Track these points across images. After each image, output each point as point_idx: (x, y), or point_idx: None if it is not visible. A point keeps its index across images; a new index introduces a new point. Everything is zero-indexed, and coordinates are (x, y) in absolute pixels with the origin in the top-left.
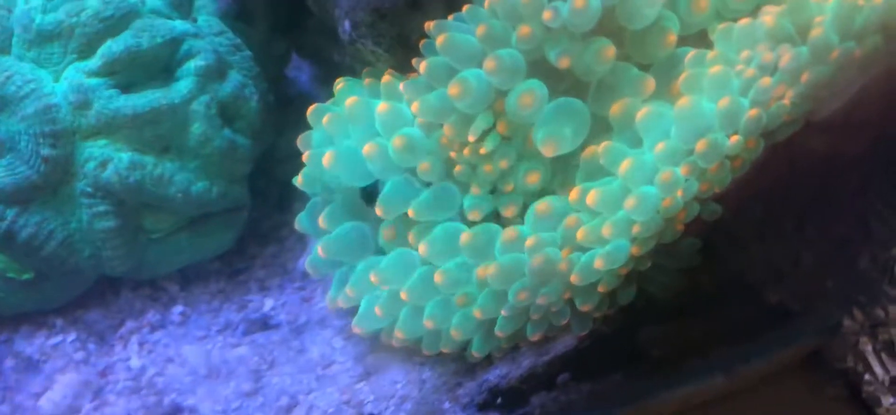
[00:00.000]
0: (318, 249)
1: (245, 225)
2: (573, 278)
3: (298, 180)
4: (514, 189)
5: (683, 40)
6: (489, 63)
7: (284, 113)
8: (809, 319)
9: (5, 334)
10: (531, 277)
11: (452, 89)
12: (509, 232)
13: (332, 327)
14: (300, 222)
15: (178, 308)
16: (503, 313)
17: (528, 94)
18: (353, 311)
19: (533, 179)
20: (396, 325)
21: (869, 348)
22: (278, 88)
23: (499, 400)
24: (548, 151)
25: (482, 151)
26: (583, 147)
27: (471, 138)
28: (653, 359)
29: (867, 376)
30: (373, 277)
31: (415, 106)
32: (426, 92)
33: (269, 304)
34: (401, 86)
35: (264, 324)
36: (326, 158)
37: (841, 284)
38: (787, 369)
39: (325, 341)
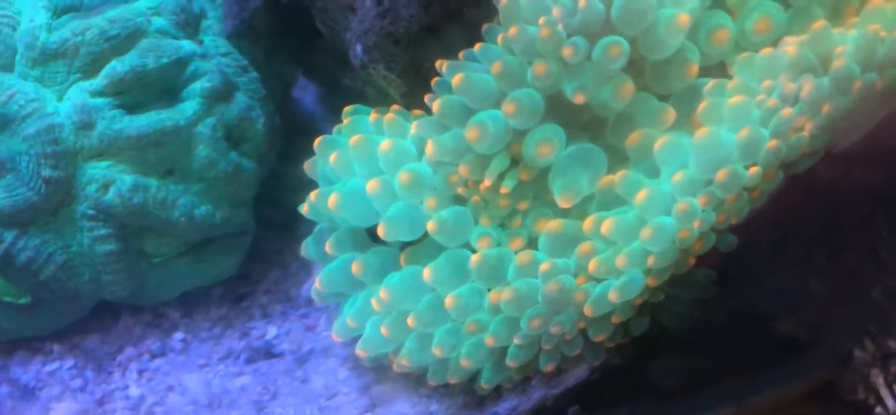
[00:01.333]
0: (317, 281)
1: (248, 250)
2: (587, 310)
3: (304, 209)
4: (521, 225)
5: (702, 72)
6: (508, 107)
7: (289, 135)
8: (819, 350)
9: (0, 360)
10: (545, 304)
11: (470, 133)
12: (524, 256)
13: (337, 356)
14: (306, 249)
15: (179, 335)
16: (516, 341)
17: (547, 144)
18: (357, 341)
19: (542, 225)
20: (402, 352)
21: (880, 380)
22: (284, 110)
23: None
24: (564, 204)
25: (503, 190)
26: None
27: (487, 183)
28: (663, 390)
29: (878, 409)
30: (383, 293)
31: (428, 146)
32: (439, 131)
33: (272, 331)
34: (413, 125)
35: (267, 353)
36: (331, 200)
37: (852, 314)
38: (798, 401)
39: (329, 370)
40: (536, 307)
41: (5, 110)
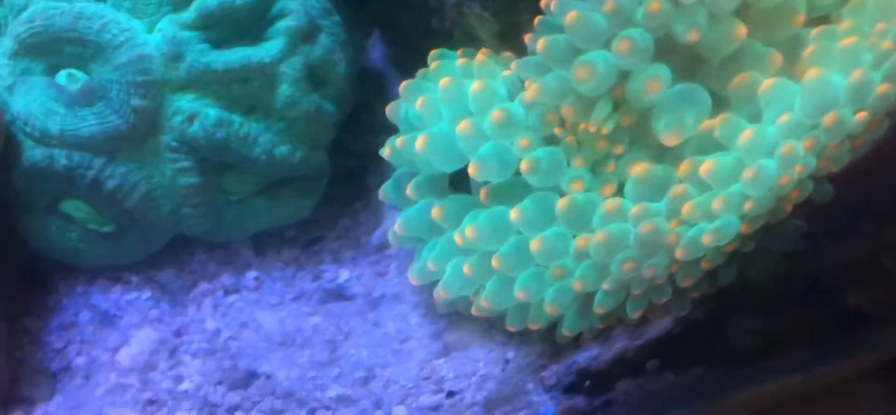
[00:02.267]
0: (396, 224)
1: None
2: (678, 253)
3: (385, 152)
4: (613, 171)
5: (808, 23)
6: (622, 44)
7: (361, 87)
8: (889, 324)
9: (82, 286)
10: (638, 246)
11: (580, 72)
12: (611, 203)
13: (408, 302)
14: (385, 193)
15: (253, 273)
16: (605, 286)
17: (655, 80)
18: (429, 288)
19: (637, 169)
20: (483, 294)
21: None
22: (358, 61)
23: (587, 383)
24: (669, 141)
25: (604, 130)
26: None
27: (592, 128)
28: (738, 352)
29: None
30: (469, 231)
31: (530, 87)
32: (542, 71)
33: (343, 275)
34: (512, 65)
35: (339, 295)
36: (419, 142)
37: None
38: (866, 376)
39: (401, 316)
40: (628, 251)
41: (98, 39)
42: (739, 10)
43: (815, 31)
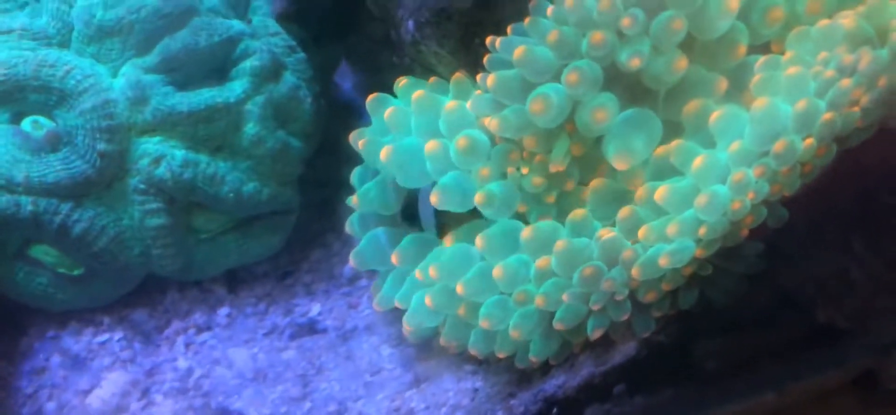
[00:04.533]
0: (350, 259)
1: (291, 230)
2: (635, 271)
3: (359, 144)
4: (574, 194)
5: (750, 51)
6: (572, 76)
7: (329, 121)
8: (860, 338)
9: (53, 330)
10: (599, 252)
11: (534, 106)
12: (578, 212)
13: (380, 334)
14: (351, 226)
15: (225, 310)
16: (565, 297)
17: (602, 110)
18: (401, 318)
19: (595, 183)
20: (444, 331)
21: None
22: (326, 94)
23: (555, 411)
24: (620, 165)
25: (560, 168)
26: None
27: (555, 169)
28: (707, 372)
29: None
30: (432, 272)
31: (493, 123)
32: (496, 108)
33: (316, 309)
34: (468, 103)
35: (311, 329)
36: (384, 152)
37: (893, 303)
38: (839, 389)
39: (372, 347)
40: (589, 261)
41: (62, 85)
42: (684, 42)
43: (760, 61)
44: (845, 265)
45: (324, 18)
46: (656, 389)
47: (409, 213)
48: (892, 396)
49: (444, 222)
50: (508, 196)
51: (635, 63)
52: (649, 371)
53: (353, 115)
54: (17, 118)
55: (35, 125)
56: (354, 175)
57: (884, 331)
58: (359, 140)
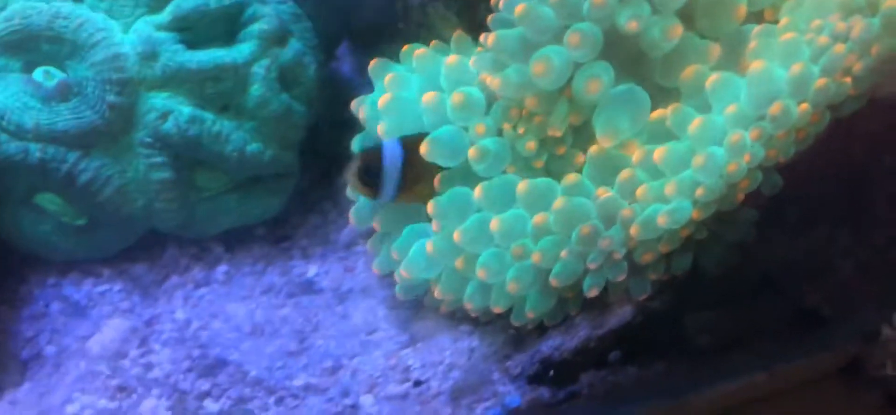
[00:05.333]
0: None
1: (290, 195)
2: (634, 230)
3: (360, 112)
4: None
5: (749, 19)
6: (573, 37)
7: (330, 92)
8: (845, 325)
9: (54, 278)
10: (597, 211)
11: (537, 68)
12: (571, 176)
13: (375, 296)
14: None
15: (223, 268)
16: (563, 254)
17: (596, 80)
18: (394, 282)
19: (593, 148)
20: (440, 284)
21: None
22: (327, 67)
23: (551, 373)
24: (605, 142)
25: (557, 134)
26: None
27: (553, 133)
28: (699, 347)
29: None
30: (429, 207)
31: (495, 82)
32: (495, 65)
33: (312, 270)
34: (471, 60)
35: (308, 288)
36: (381, 101)
37: (879, 291)
38: (826, 375)
39: (368, 308)
40: (587, 220)
41: (75, 37)
42: (684, 7)
43: (756, 29)
44: (831, 250)
45: None
46: (649, 361)
47: (366, 178)
48: (877, 382)
49: (407, 190)
50: (500, 154)
51: (633, 26)
52: (643, 339)
53: (351, 90)
54: (29, 68)
55: (46, 75)
56: (355, 142)
57: (868, 318)
58: (359, 107)
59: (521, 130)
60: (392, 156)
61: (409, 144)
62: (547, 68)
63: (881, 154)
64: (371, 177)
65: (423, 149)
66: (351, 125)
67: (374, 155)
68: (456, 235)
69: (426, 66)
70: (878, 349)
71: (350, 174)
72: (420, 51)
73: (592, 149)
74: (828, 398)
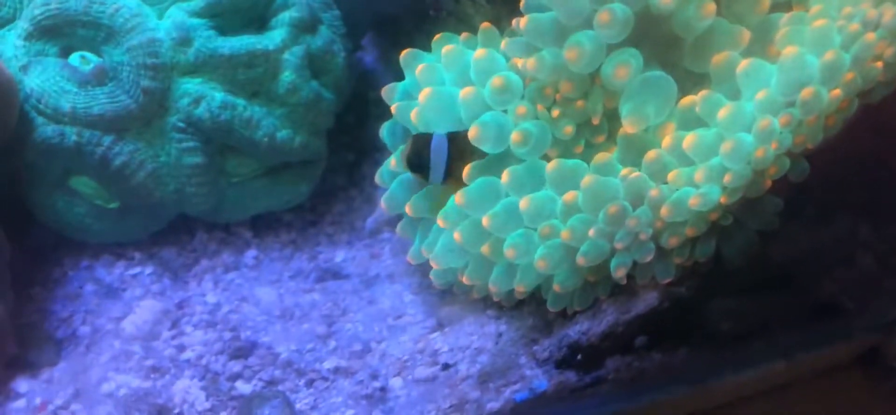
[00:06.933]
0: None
1: (317, 183)
2: (664, 210)
3: (392, 108)
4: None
5: (773, 9)
6: (603, 15)
7: (356, 83)
8: (864, 316)
9: (86, 260)
10: (624, 190)
11: (570, 54)
12: (601, 155)
13: (402, 282)
14: (381, 177)
15: (252, 252)
16: (591, 233)
17: (624, 66)
18: (422, 268)
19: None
20: (467, 271)
21: None
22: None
23: (578, 357)
24: (631, 128)
25: (595, 122)
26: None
27: (595, 121)
28: (721, 333)
29: None
30: (458, 199)
31: (530, 63)
32: (527, 50)
33: (339, 256)
34: (502, 43)
35: (335, 274)
36: (422, 95)
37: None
38: (845, 364)
39: (395, 294)
40: (615, 200)
41: (111, 22)
42: None
43: (786, 16)
44: (851, 242)
45: None
46: (673, 347)
47: (416, 162)
48: (894, 372)
49: (451, 175)
50: (541, 137)
51: (667, 1)
52: (669, 325)
53: (375, 82)
54: (65, 52)
55: (83, 60)
56: (384, 129)
57: (887, 309)
58: (391, 95)
59: (555, 113)
60: (439, 143)
61: (454, 134)
62: (579, 54)
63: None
64: (420, 162)
65: (472, 134)
66: (375, 115)
67: (422, 141)
68: (485, 221)
69: (454, 62)
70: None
71: (402, 157)
72: (448, 47)
73: (623, 130)
74: (847, 387)
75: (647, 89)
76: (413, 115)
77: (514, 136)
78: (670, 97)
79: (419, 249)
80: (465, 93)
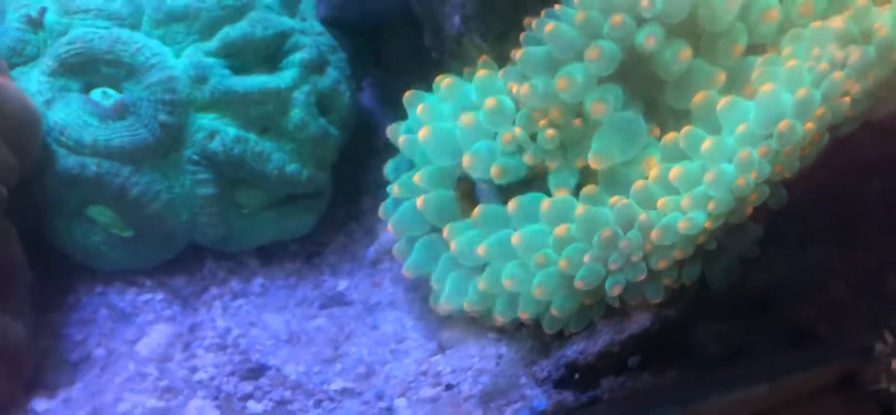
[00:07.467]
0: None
1: (323, 212)
2: (654, 234)
3: (400, 140)
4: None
5: (748, 51)
6: (593, 52)
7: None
8: (840, 342)
9: (100, 287)
10: (615, 216)
11: (561, 83)
12: (589, 188)
13: (402, 309)
14: (384, 210)
15: (259, 280)
16: (586, 258)
17: (600, 103)
18: (423, 295)
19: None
20: (467, 299)
21: None
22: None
23: (576, 376)
24: (594, 164)
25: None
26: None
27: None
28: (708, 356)
29: None
30: (481, 251)
31: (523, 89)
32: (520, 78)
33: (342, 284)
34: (499, 73)
35: (339, 300)
36: (422, 133)
37: (870, 310)
38: (824, 389)
39: (396, 319)
40: (606, 225)
41: (133, 60)
42: (691, 36)
43: (761, 59)
44: (825, 268)
45: (357, 26)
46: (663, 368)
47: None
48: (873, 396)
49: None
50: (517, 170)
51: (651, 42)
52: (660, 345)
53: (375, 122)
54: (87, 88)
55: (104, 96)
56: (389, 166)
57: (862, 334)
58: (396, 134)
59: (549, 133)
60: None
61: None
62: (570, 83)
63: (871, 180)
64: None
65: (465, 163)
66: (373, 153)
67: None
68: (480, 251)
69: (453, 94)
70: (873, 364)
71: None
72: (446, 81)
73: (603, 170)
74: (827, 410)
75: (617, 130)
76: (421, 134)
77: (494, 170)
78: (638, 138)
79: (414, 262)
80: (464, 120)
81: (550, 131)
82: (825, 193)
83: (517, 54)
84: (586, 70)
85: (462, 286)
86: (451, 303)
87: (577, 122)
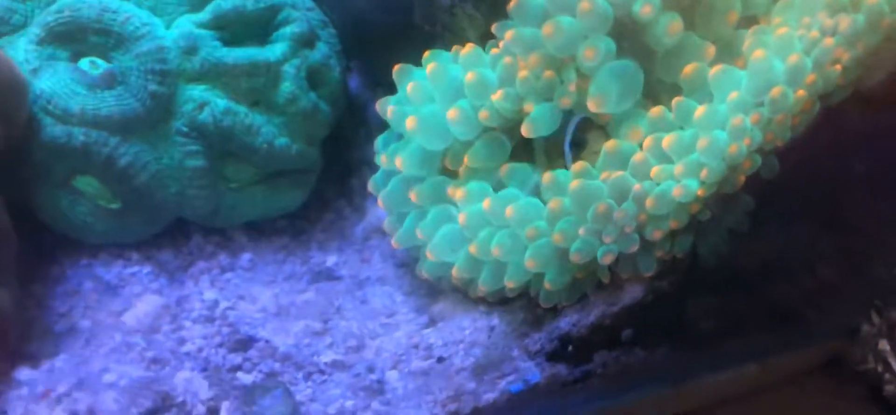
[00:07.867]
0: (379, 199)
1: (312, 188)
2: (649, 202)
3: (388, 112)
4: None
5: (740, 24)
6: (585, 5)
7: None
8: (828, 323)
9: (85, 259)
10: (608, 190)
11: (547, 29)
12: (579, 164)
13: (392, 284)
14: (374, 185)
15: (247, 255)
16: (581, 231)
17: (592, 48)
18: (412, 270)
19: (608, 144)
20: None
21: (888, 349)
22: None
23: (569, 348)
24: (592, 107)
25: (571, 87)
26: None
27: (571, 87)
28: (700, 332)
29: (887, 376)
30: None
31: (508, 34)
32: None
33: (331, 260)
34: (493, 26)
35: (328, 275)
36: (409, 122)
37: (857, 288)
38: (812, 370)
39: (386, 294)
40: (601, 199)
41: (122, 30)
42: (686, 8)
43: (752, 28)
44: (813, 248)
45: (349, 6)
46: (655, 343)
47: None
48: (860, 376)
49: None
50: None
51: (647, 10)
52: (652, 318)
53: (361, 105)
54: (75, 58)
55: (93, 65)
56: (379, 140)
57: (848, 316)
58: (386, 107)
59: (522, 74)
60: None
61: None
62: (556, 30)
63: (859, 153)
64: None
65: (466, 161)
66: (360, 130)
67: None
68: (461, 218)
69: (439, 79)
70: (860, 345)
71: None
72: (431, 66)
73: (607, 144)
74: (816, 391)
75: (614, 73)
76: (408, 123)
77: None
78: (635, 83)
79: (406, 231)
80: (451, 115)
81: (524, 72)
82: (814, 166)
83: (510, 3)
84: (574, 23)
85: (450, 242)
86: (435, 253)
87: (573, 87)
